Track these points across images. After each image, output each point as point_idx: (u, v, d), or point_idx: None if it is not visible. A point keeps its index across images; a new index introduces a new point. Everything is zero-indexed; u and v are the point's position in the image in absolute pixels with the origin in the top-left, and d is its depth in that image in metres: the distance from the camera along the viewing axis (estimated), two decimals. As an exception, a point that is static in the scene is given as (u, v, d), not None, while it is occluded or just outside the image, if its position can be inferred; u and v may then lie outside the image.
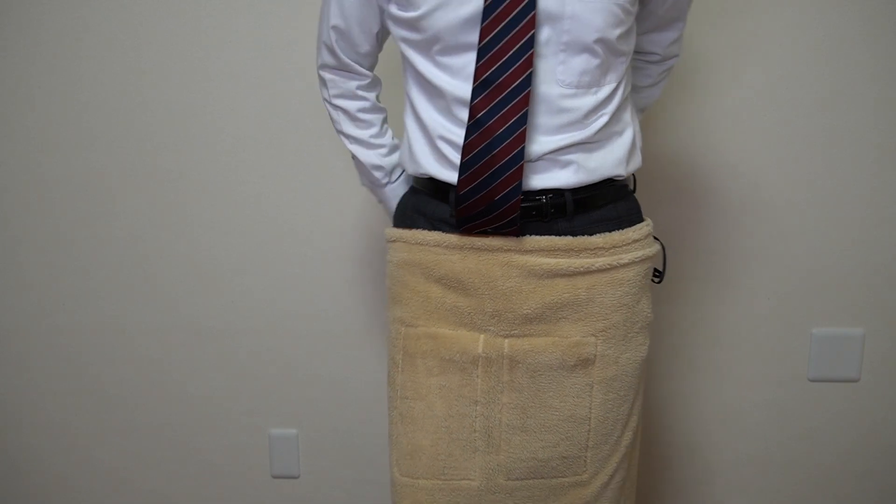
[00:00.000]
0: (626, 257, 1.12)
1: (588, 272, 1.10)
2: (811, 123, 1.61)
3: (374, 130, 1.26)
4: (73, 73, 1.65)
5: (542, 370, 1.11)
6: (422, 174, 1.15)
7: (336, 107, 1.25)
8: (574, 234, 1.10)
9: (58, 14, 1.62)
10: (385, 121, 1.28)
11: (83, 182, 1.69)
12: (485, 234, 1.10)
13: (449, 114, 1.09)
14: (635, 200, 1.20)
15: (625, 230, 1.13)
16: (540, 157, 1.07)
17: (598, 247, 1.10)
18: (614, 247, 1.11)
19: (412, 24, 1.09)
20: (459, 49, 1.06)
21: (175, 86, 1.64)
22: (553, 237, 1.09)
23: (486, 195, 1.05)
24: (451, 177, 1.10)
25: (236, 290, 1.73)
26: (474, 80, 1.03)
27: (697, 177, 1.64)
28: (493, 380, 1.12)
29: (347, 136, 1.26)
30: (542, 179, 1.08)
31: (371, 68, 1.26)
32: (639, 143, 1.18)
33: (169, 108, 1.65)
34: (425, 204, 1.16)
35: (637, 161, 1.17)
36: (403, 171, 1.26)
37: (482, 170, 1.04)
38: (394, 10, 1.11)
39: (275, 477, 1.81)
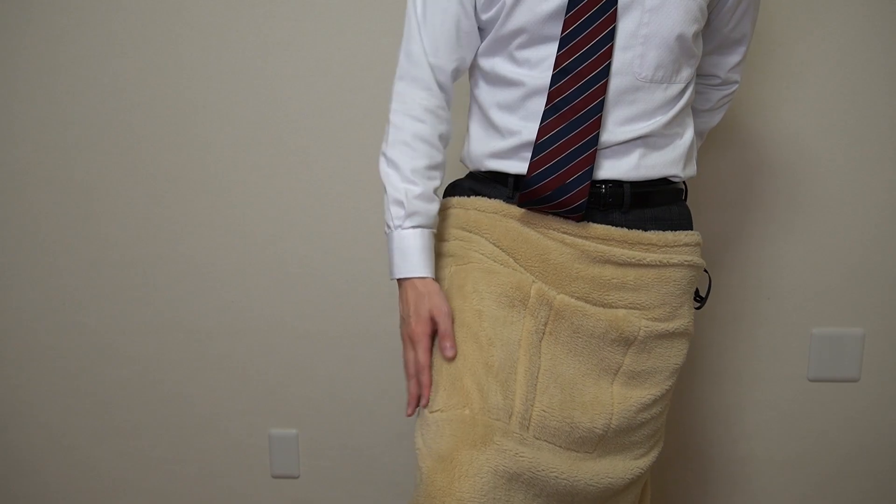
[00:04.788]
0: (676, 258, 1.14)
1: (639, 265, 1.12)
2: (809, 124, 1.61)
3: (417, 163, 1.13)
4: (72, 73, 1.65)
5: (582, 334, 1.12)
6: (482, 169, 1.18)
7: (392, 122, 1.15)
8: (629, 228, 1.13)
9: (58, 14, 1.62)
10: (434, 168, 1.15)
11: (82, 182, 1.69)
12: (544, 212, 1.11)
13: (521, 108, 1.12)
14: (687, 208, 1.22)
15: (678, 232, 1.16)
16: (607, 147, 1.10)
17: (652, 242, 1.13)
18: (666, 245, 1.14)
19: (493, 22, 1.12)
20: (541, 41, 1.09)
21: (174, 87, 1.64)
22: (609, 227, 1.11)
23: (556, 179, 1.07)
24: (514, 167, 1.12)
25: (236, 290, 1.73)
26: (554, 68, 1.07)
27: (697, 176, 1.64)
28: (538, 323, 1.10)
29: (387, 158, 1.15)
30: (602, 170, 1.11)
31: (445, 88, 1.17)
32: (695, 150, 1.21)
33: (168, 108, 1.65)
34: (482, 186, 1.18)
35: (692, 168, 1.20)
36: (419, 227, 1.13)
37: (554, 153, 1.07)
38: (478, 12, 1.13)
39: (275, 477, 1.81)
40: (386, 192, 1.14)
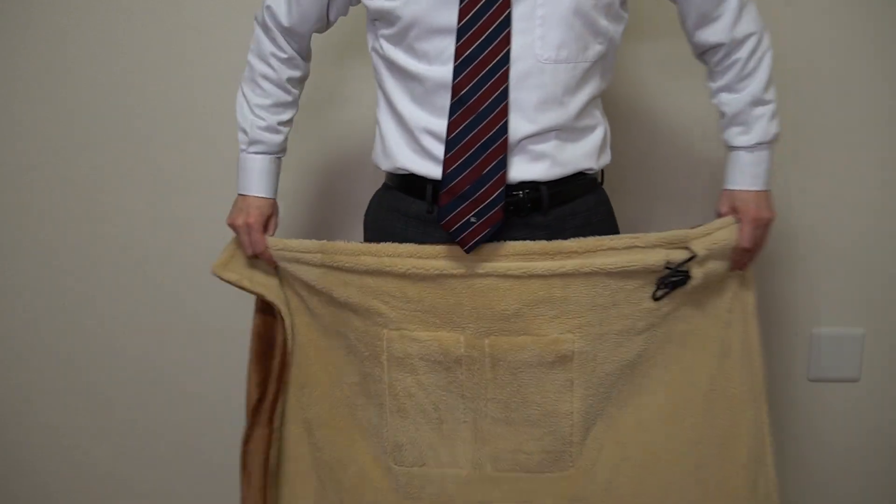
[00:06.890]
0: (599, 262, 1.10)
1: (563, 275, 1.11)
2: (808, 122, 1.61)
3: (263, 101, 1.24)
4: (72, 73, 1.65)
5: (522, 367, 1.13)
6: (398, 169, 1.16)
7: (248, 62, 1.26)
8: (549, 227, 1.13)
9: (57, 14, 1.62)
10: (280, 105, 1.25)
11: (82, 182, 1.69)
12: (463, 242, 1.09)
13: (429, 104, 1.10)
14: (604, 192, 1.23)
15: (602, 238, 1.12)
16: (522, 139, 1.09)
17: (572, 250, 1.11)
18: (588, 251, 1.11)
19: (386, 16, 1.10)
20: (435, 32, 1.07)
21: (174, 85, 1.64)
22: (528, 242, 1.10)
23: (472, 171, 1.06)
24: (431, 170, 1.11)
25: (237, 290, 1.72)
26: (455, 60, 1.06)
27: (696, 175, 1.64)
28: (476, 376, 1.14)
29: (241, 90, 1.26)
30: (518, 172, 1.10)
31: (293, 47, 1.25)
32: (608, 140, 1.21)
33: (168, 107, 1.65)
34: (400, 201, 1.18)
35: (607, 157, 1.20)
36: (261, 153, 1.26)
37: (467, 146, 1.06)
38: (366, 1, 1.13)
39: (275, 477, 1.81)
40: (237, 118, 1.26)
